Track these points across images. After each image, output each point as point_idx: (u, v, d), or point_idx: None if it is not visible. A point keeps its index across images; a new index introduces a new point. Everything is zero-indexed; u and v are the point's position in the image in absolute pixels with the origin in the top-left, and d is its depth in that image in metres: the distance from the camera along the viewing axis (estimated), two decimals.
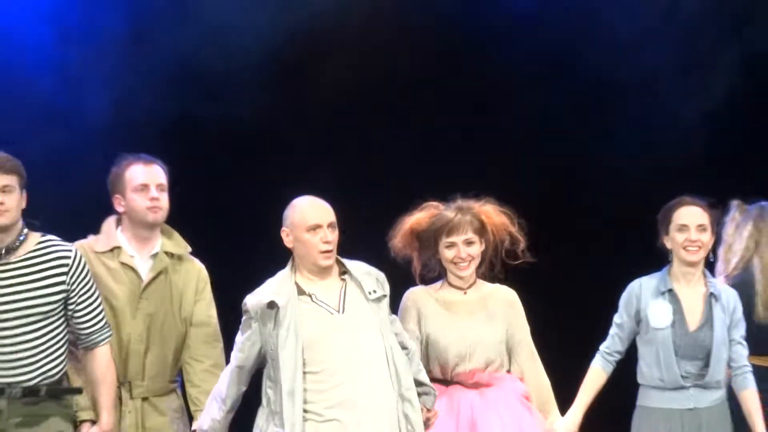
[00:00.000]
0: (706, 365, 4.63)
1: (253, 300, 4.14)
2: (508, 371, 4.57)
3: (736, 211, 5.15)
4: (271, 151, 6.86)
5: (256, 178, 6.65)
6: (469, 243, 4.52)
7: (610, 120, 7.10)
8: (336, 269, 4.22)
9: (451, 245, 4.51)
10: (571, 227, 6.92)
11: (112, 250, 4.53)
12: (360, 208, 5.66)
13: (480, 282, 4.62)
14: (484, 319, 4.54)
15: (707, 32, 7.28)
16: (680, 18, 7.34)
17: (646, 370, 4.71)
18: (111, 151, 4.89)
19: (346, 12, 6.98)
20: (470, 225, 4.52)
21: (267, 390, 4.11)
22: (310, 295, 4.13)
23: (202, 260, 4.77)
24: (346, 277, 4.21)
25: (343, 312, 4.13)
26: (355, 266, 4.25)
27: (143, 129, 6.50)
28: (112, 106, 6.69)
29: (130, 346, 4.48)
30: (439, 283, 4.63)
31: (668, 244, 4.73)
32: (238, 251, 6.33)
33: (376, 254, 4.55)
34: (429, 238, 4.56)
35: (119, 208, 4.57)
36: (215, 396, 4.22)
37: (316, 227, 4.13)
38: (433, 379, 4.36)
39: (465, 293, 4.60)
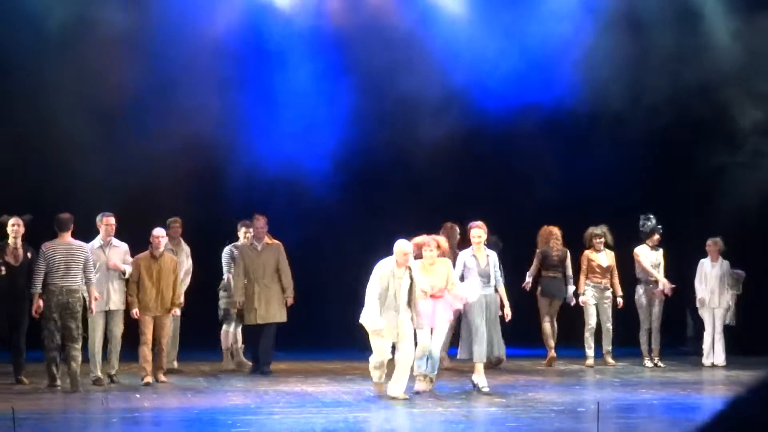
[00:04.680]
0: (489, 278, 11.79)
1: None
2: (447, 289, 11.38)
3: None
4: None
5: None
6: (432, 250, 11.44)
7: None
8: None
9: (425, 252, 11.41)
10: None
11: (251, 243, 13.04)
12: None
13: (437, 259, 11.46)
14: (435, 273, 11.31)
15: None
16: None
17: (468, 283, 11.58)
18: None
19: None
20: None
21: None
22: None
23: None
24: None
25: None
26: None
27: None
28: None
29: (257, 270, 12.85)
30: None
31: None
32: None
33: None
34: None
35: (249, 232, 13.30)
36: None
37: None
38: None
39: (431, 265, 11.33)
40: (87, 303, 11.57)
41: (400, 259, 10.90)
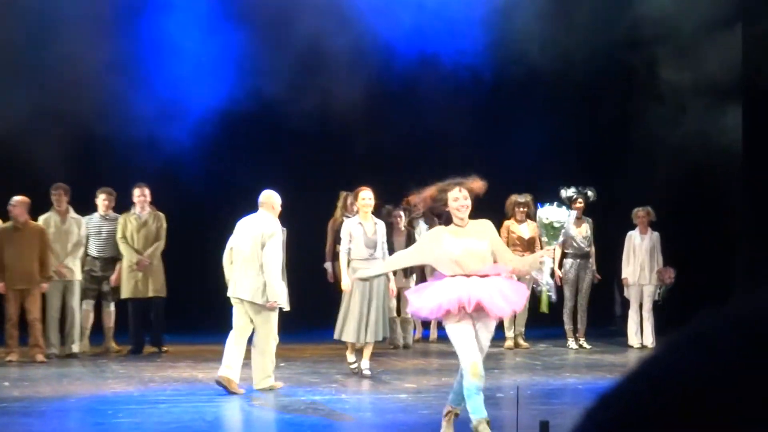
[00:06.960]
0: (376, 248, 10.64)
1: None
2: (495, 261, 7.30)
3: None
4: None
5: None
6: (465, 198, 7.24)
7: None
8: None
9: (455, 200, 7.19)
10: None
11: (134, 213, 12.46)
12: None
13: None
14: (474, 238, 7.24)
15: None
16: None
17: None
18: None
19: None
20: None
21: None
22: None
23: None
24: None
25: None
26: None
27: None
28: None
29: (139, 241, 12.29)
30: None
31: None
32: None
33: None
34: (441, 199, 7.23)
35: None
36: None
37: None
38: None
39: (464, 227, 7.26)
40: None
41: (277, 209, 9.98)
